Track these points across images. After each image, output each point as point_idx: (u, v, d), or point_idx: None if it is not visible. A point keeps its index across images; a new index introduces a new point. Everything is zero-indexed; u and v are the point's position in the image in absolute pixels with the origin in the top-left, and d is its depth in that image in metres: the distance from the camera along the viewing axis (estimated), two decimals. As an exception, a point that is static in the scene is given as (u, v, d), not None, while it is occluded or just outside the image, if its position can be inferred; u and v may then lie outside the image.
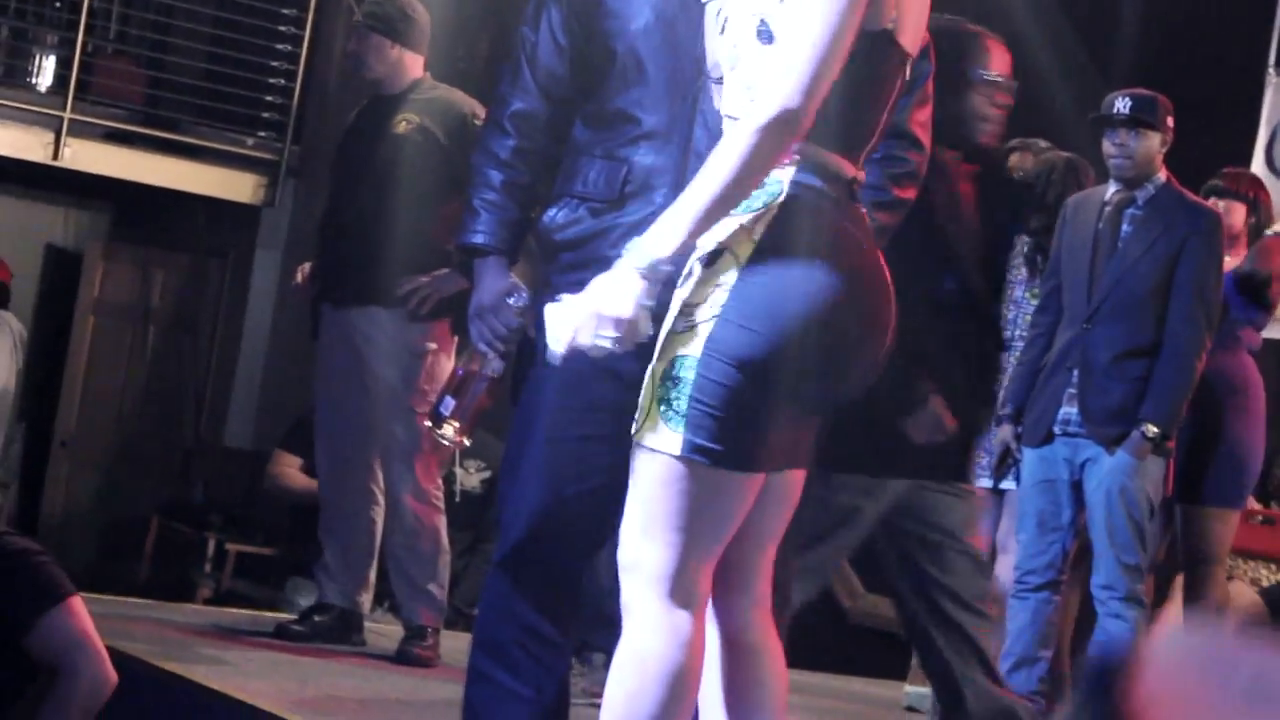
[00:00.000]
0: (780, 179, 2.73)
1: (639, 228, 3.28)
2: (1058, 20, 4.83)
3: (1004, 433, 5.67)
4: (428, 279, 5.57)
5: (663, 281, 2.69)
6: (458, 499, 7.54)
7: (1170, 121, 5.51)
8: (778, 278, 2.69)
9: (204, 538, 8.12)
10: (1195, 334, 5.42)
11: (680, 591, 2.74)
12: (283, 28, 9.70)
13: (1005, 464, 5.73)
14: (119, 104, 9.52)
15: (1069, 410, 5.50)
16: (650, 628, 2.74)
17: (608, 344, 2.68)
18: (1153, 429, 5.38)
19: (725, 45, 2.80)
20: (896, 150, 3.56)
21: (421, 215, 5.62)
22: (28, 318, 9.39)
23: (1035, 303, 5.75)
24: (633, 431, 2.77)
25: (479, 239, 3.43)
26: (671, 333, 2.74)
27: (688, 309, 2.73)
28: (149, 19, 10.05)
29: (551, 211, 3.38)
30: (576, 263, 3.32)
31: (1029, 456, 5.59)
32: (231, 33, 9.80)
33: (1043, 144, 6.07)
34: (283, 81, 9.70)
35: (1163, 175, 5.54)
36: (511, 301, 3.38)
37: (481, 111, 5.33)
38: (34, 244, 9.86)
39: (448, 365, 5.62)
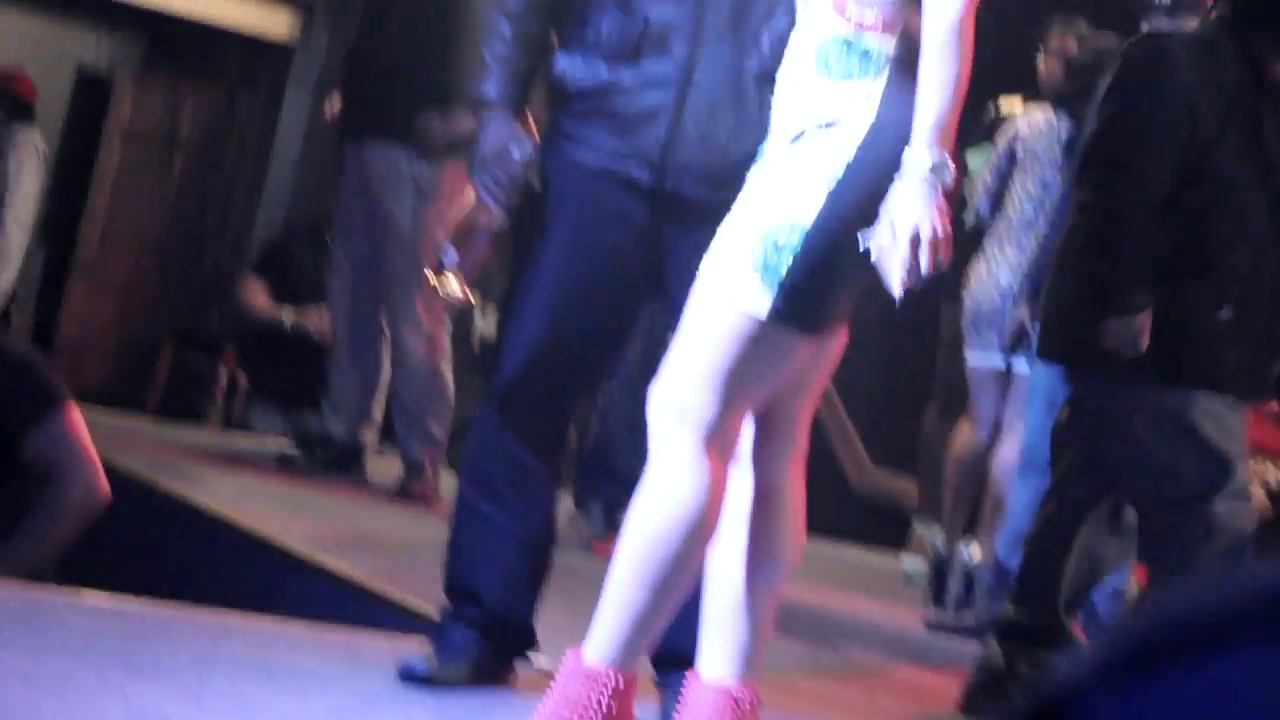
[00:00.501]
0: (883, 50, 2.75)
1: (655, 83, 3.25)
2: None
3: (1020, 312, 5.62)
4: (442, 118, 5.56)
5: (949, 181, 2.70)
6: (476, 348, 7.53)
7: (1211, 4, 5.41)
8: (889, 154, 2.71)
9: (216, 366, 8.15)
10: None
11: (719, 439, 2.78)
12: None
13: (1019, 344, 5.69)
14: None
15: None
16: (684, 470, 2.76)
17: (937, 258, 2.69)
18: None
19: None
20: None
21: (440, 58, 5.60)
22: (55, 139, 9.36)
23: None
24: (711, 282, 2.78)
25: (488, 91, 3.41)
26: (778, 196, 2.75)
27: (800, 176, 2.75)
28: None
29: (565, 60, 3.35)
30: (589, 111, 3.30)
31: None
32: None
33: (1085, 28, 5.98)
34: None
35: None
36: (515, 152, 3.36)
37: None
38: (65, 66, 9.80)
39: (460, 208, 5.61)
